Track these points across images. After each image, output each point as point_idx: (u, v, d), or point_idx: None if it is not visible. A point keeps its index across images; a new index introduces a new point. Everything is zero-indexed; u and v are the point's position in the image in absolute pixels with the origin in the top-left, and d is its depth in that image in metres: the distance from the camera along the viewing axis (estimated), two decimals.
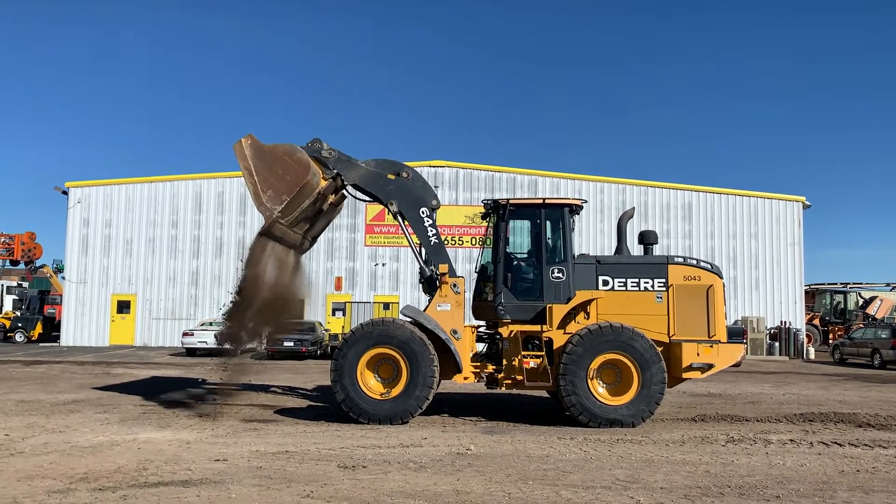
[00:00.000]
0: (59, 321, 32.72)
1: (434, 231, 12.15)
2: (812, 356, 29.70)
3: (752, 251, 32.32)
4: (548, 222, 12.00)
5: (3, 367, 20.98)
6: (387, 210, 12.38)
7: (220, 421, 11.35)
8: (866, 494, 7.26)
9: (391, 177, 12.28)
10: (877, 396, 16.00)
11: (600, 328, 11.11)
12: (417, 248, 12.38)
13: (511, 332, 11.66)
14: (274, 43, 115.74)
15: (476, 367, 11.91)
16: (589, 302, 11.57)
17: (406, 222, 12.33)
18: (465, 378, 11.79)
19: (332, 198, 12.59)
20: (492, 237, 12.21)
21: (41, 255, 39.33)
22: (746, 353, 27.49)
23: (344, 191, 12.86)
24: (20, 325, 33.60)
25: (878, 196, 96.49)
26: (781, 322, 30.86)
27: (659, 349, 11.14)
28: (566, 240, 11.78)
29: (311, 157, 11.99)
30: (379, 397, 11.19)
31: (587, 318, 11.58)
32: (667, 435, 10.45)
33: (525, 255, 12.36)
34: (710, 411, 12.84)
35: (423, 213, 12.14)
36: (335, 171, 12.21)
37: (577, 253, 12.13)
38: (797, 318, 31.68)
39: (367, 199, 12.94)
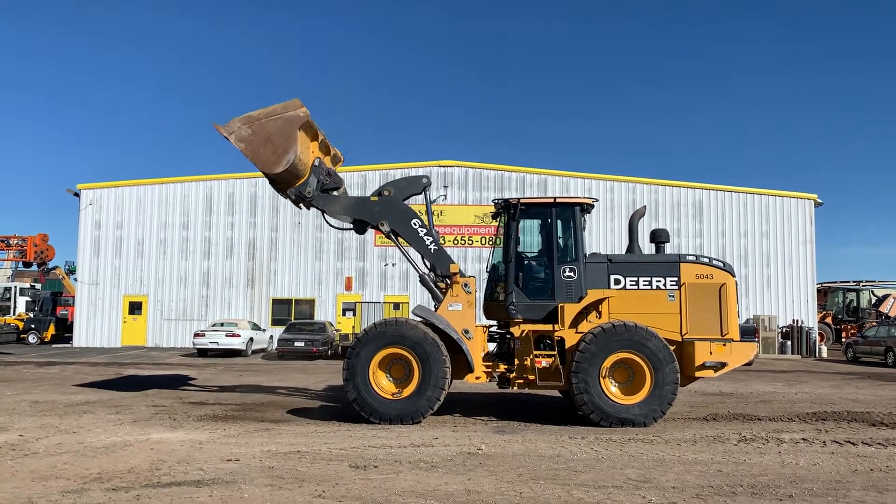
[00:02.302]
0: (72, 322, 32.95)
1: (431, 238, 12.21)
2: (824, 355, 29.51)
3: (763, 249, 32.15)
4: (559, 221, 11.97)
5: (16, 368, 21.14)
6: (380, 232, 12.40)
7: (231, 421, 11.39)
8: (880, 493, 7.21)
9: (374, 198, 12.39)
10: (890, 395, 15.88)
11: (613, 327, 11.07)
12: (420, 259, 12.40)
13: (523, 331, 11.64)
14: (283, 42, 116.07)
15: (488, 366, 11.90)
16: (601, 301, 11.54)
17: (401, 238, 12.41)
18: (477, 378, 11.79)
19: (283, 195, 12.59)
20: (503, 237, 12.19)
21: (53, 256, 39.50)
22: (759, 352, 27.37)
23: (325, 221, 12.93)
24: (33, 326, 33.80)
25: (891, 193, 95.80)
26: (793, 320, 30.68)
27: (671, 348, 11.11)
28: (577, 239, 11.75)
29: (307, 171, 12.01)
30: (391, 397, 11.20)
31: (599, 318, 11.55)
32: (679, 434, 10.42)
33: (536, 255, 12.33)
34: (722, 410, 12.79)
35: (415, 224, 12.21)
36: (293, 198, 12.30)
37: (588, 252, 12.11)
38: (809, 317, 31.50)
39: (352, 227, 12.75)
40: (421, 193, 12.60)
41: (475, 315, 11.86)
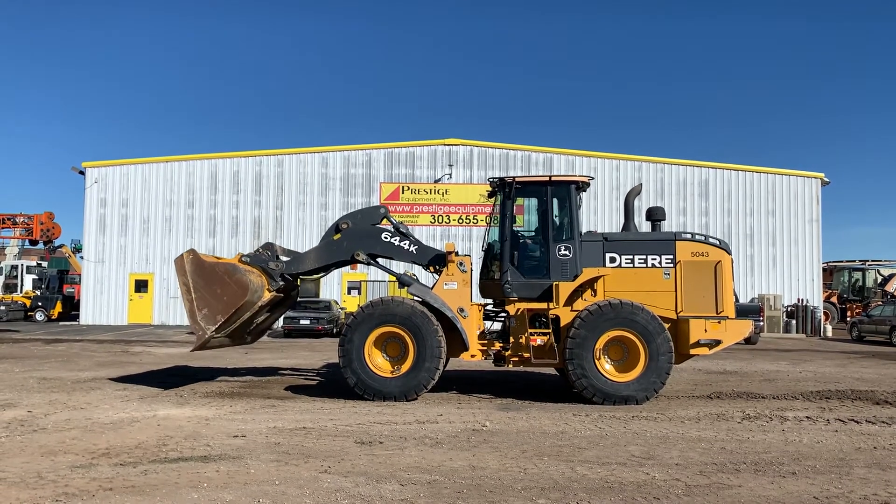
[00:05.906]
0: (79, 300, 33.08)
1: (408, 241, 12.28)
2: (829, 334, 29.53)
3: (769, 228, 32.02)
4: (554, 200, 11.91)
5: (24, 345, 21.30)
6: (359, 262, 12.37)
7: (237, 398, 11.47)
8: (883, 471, 7.23)
9: (337, 237, 12.38)
10: (894, 374, 15.89)
11: (600, 308, 11.06)
12: (406, 264, 12.41)
13: (518, 309, 11.64)
14: (291, 23, 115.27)
15: (483, 344, 11.93)
16: (596, 279, 11.51)
17: (381, 257, 12.50)
18: (473, 356, 11.80)
19: (272, 296, 12.52)
20: (498, 215, 12.17)
21: (60, 234, 39.53)
22: (763, 330, 27.35)
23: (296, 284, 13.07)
24: (40, 304, 33.99)
25: None
26: (799, 299, 30.65)
27: (666, 326, 11.11)
28: (573, 217, 11.71)
29: (256, 268, 12.14)
30: (389, 375, 11.26)
31: (594, 296, 11.51)
32: (682, 412, 10.46)
33: (532, 233, 12.32)
34: (726, 388, 12.82)
35: (386, 237, 12.25)
36: (280, 283, 12.36)
37: (584, 230, 12.08)
38: (815, 296, 31.44)
39: (323, 275, 13.00)
40: (380, 223, 12.56)
41: (471, 293, 11.86)
